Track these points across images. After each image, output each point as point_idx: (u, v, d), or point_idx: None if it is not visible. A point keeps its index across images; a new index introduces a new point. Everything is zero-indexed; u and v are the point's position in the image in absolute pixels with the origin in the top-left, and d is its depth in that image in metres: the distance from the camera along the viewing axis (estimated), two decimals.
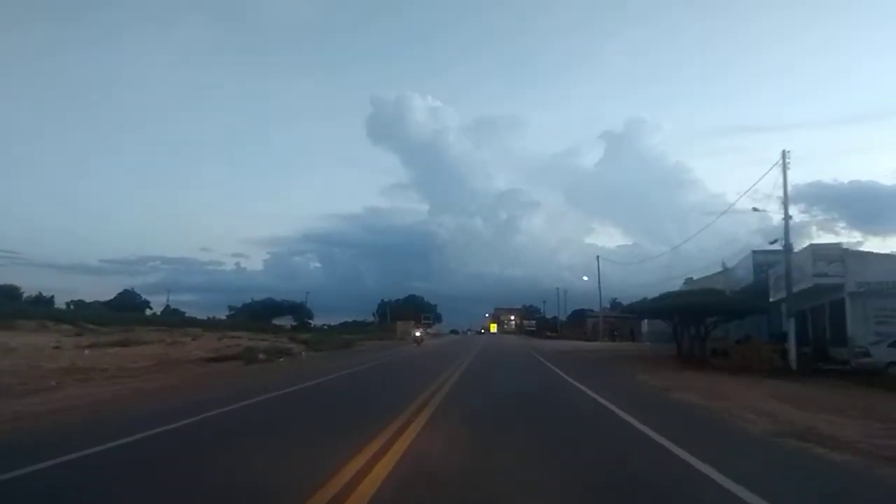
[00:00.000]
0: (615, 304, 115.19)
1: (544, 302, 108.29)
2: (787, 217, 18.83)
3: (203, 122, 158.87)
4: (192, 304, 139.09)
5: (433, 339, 64.91)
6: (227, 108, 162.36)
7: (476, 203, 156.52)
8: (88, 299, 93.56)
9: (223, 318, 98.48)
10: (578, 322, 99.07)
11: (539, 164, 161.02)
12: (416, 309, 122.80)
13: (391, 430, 6.65)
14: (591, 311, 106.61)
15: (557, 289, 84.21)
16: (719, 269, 32.95)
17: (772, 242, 19.78)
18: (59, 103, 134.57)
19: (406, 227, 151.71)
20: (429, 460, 5.27)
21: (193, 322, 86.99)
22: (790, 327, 18.93)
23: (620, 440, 6.68)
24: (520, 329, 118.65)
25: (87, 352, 22.81)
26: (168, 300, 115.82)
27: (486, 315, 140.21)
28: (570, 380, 14.73)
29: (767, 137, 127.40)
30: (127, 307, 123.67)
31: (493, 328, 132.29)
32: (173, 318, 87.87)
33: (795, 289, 19.12)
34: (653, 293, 31.00)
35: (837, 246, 19.69)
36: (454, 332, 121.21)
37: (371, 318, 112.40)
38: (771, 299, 22.27)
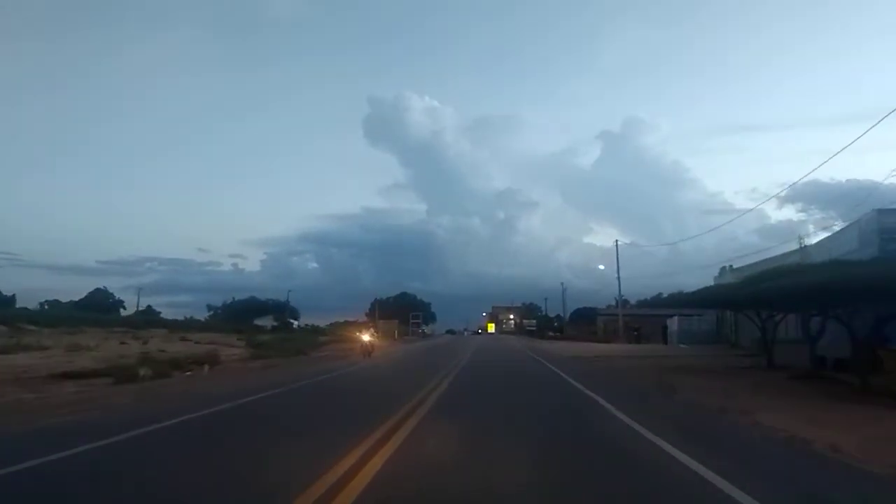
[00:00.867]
0: (622, 302, 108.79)
1: (546, 299, 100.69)
2: None
3: (201, 124, 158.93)
4: (189, 305, 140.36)
5: (422, 340, 57.17)
6: (225, 109, 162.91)
7: (474, 203, 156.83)
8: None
9: (202, 318, 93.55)
10: (583, 321, 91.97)
11: (537, 164, 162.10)
12: (408, 307, 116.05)
13: None
14: (596, 308, 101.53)
15: (562, 284, 76.63)
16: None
17: None
18: (57, 105, 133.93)
19: (404, 227, 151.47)
20: None
21: (163, 323, 79.91)
22: None
23: None
24: (519, 329, 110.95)
25: None
26: (138, 301, 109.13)
27: (484, 314, 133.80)
28: (639, 429, 6.65)
29: (764, 137, 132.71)
30: (98, 307, 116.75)
31: (492, 328, 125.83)
32: (141, 319, 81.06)
33: None
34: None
35: None
36: (450, 331, 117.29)
37: (363, 318, 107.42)
38: None
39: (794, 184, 47.23)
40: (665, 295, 68.09)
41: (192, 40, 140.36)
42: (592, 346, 38.61)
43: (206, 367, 17.71)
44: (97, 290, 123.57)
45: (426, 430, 6.78)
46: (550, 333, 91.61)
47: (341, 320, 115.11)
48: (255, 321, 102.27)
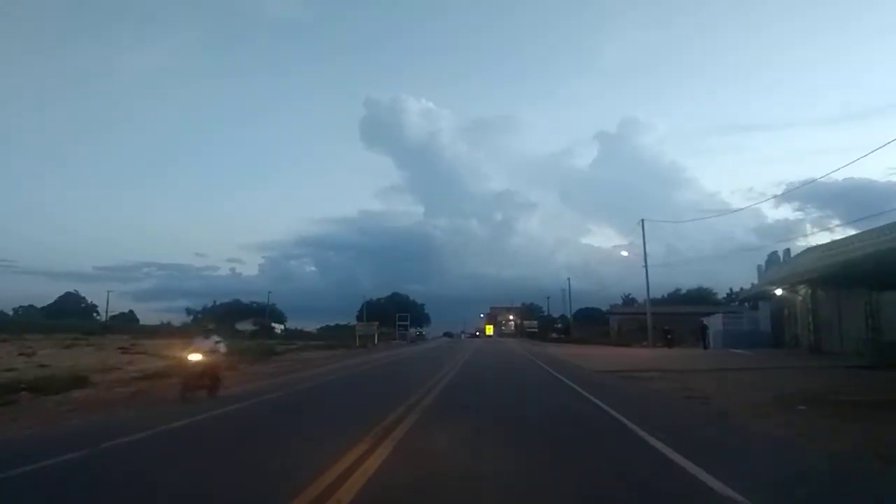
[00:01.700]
0: (628, 301, 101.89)
1: (548, 297, 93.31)
2: None
3: (198, 129, 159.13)
4: (183, 311, 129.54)
5: (407, 346, 49.59)
6: (222, 114, 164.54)
7: (471, 205, 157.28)
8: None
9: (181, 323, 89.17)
10: (589, 321, 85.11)
11: (534, 165, 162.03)
12: (400, 309, 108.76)
13: None
14: (599, 308, 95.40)
15: (568, 279, 69.01)
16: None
17: None
18: (56, 113, 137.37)
19: (401, 229, 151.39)
20: None
21: (132, 329, 72.85)
22: None
23: None
24: (519, 330, 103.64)
25: None
26: (107, 306, 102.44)
27: (482, 315, 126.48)
28: None
29: (762, 136, 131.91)
30: (69, 312, 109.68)
31: (490, 330, 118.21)
32: (99, 325, 74.48)
33: None
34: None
35: None
36: (448, 334, 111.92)
37: (353, 322, 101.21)
38: None
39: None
40: (663, 295, 68.17)
41: (188, 46, 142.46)
42: (614, 353, 31.18)
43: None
44: (68, 293, 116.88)
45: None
46: (554, 335, 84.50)
47: (332, 324, 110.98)
48: (237, 325, 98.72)
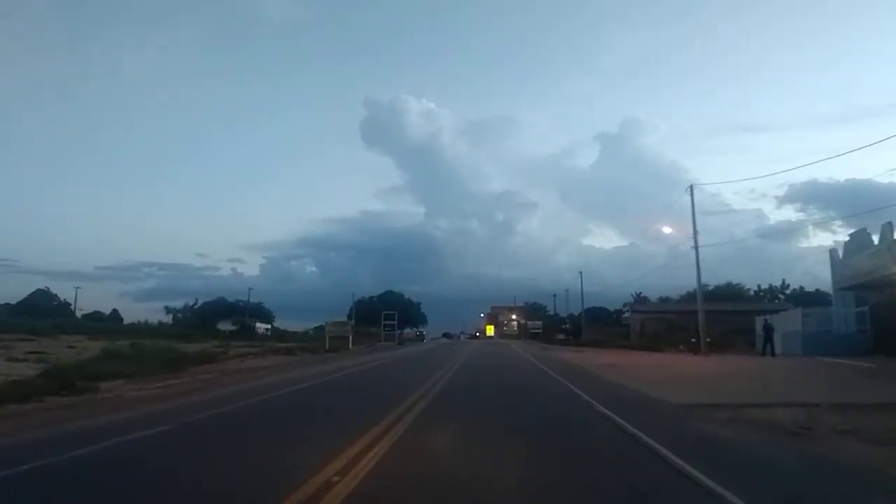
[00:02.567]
0: (640, 299, 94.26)
1: (555, 295, 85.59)
2: None
3: (198, 129, 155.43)
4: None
5: (394, 349, 42.06)
6: (223, 114, 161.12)
7: (472, 205, 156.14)
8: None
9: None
10: (599, 322, 77.90)
11: (534, 166, 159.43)
12: (393, 307, 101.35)
13: None
14: (605, 308, 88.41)
15: (580, 273, 61.27)
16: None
17: None
18: (56, 113, 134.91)
19: (402, 229, 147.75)
20: None
21: (101, 329, 66.43)
22: None
23: None
24: (523, 331, 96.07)
25: None
26: (75, 303, 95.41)
27: (482, 315, 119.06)
28: None
29: (763, 137, 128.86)
30: (40, 310, 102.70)
31: (491, 331, 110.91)
32: (50, 325, 67.38)
33: None
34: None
35: None
36: (447, 335, 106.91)
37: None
38: None
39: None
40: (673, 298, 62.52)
41: (189, 47, 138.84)
42: (652, 362, 23.58)
43: None
44: (38, 290, 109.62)
45: None
46: (561, 336, 76.97)
47: (323, 323, 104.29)
48: (220, 325, 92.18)
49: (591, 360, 23.63)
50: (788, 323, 24.32)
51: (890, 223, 20.95)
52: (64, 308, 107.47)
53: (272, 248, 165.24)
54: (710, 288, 59.76)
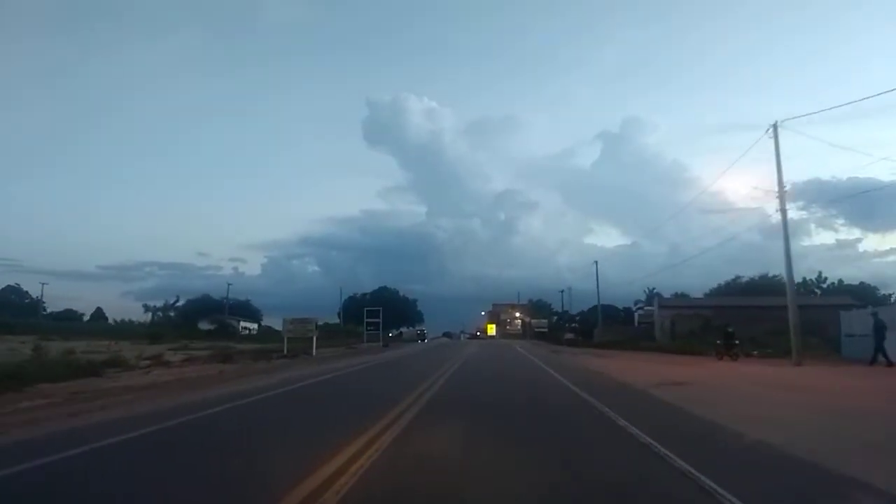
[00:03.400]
0: (653, 296, 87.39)
1: (562, 291, 78.47)
2: None
3: (200, 127, 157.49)
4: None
5: (372, 354, 34.94)
6: (224, 112, 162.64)
7: (474, 204, 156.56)
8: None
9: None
10: (610, 321, 71.19)
11: (536, 165, 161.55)
12: (387, 305, 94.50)
13: None
14: (613, 306, 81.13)
15: (595, 262, 53.98)
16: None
17: None
18: (57, 109, 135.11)
19: (404, 229, 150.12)
20: None
21: (65, 329, 60.75)
22: None
23: None
24: (527, 331, 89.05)
25: None
26: (42, 300, 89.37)
27: (482, 313, 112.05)
28: None
29: (765, 135, 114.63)
30: (11, 307, 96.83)
31: (492, 330, 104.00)
32: (31, 323, 61.55)
33: None
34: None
35: None
36: (447, 334, 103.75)
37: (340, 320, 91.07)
38: None
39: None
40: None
41: (190, 43, 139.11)
42: (728, 372, 16.68)
43: None
44: (8, 287, 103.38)
45: None
46: (570, 336, 70.01)
47: (320, 322, 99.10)
48: (200, 324, 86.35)
49: (631, 372, 16.65)
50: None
51: None
52: (36, 305, 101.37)
53: (274, 248, 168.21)
54: (744, 280, 52.90)
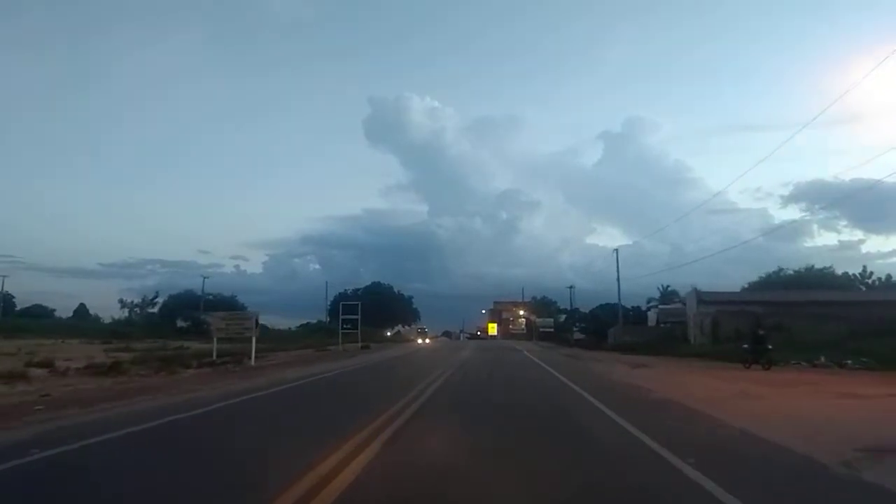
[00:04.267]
0: (668, 294, 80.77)
1: (570, 287, 71.53)
2: None
3: (202, 126, 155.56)
4: None
5: (333, 361, 28.19)
6: (226, 111, 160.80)
7: (476, 204, 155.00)
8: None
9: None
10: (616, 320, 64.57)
11: (538, 164, 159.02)
12: (381, 302, 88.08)
13: None
14: (617, 305, 74.23)
15: (615, 250, 46.98)
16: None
17: None
18: (59, 109, 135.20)
19: (405, 228, 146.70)
20: None
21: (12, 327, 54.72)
22: None
23: None
24: (532, 329, 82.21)
25: None
26: (11, 296, 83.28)
27: (483, 311, 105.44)
28: None
29: (768, 135, 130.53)
30: None
31: (493, 329, 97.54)
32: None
33: None
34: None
35: None
36: (447, 334, 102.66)
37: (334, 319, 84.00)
38: None
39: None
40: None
41: (192, 44, 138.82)
42: None
43: None
44: None
45: None
46: (579, 338, 63.57)
47: (312, 321, 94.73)
48: (179, 322, 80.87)
49: (751, 408, 9.85)
50: None
51: None
52: (7, 301, 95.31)
53: (275, 246, 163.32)
54: (789, 273, 45.91)
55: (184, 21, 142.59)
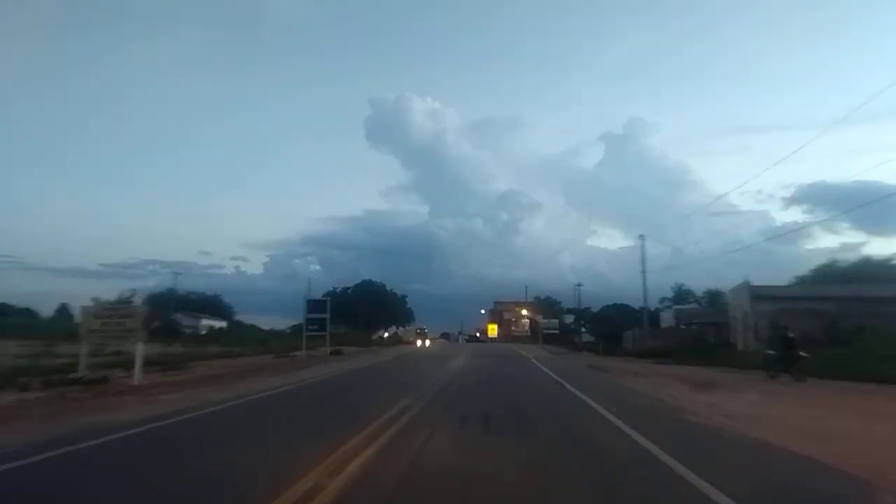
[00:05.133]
0: (682, 293, 74.72)
1: (578, 285, 65.04)
2: None
3: (202, 126, 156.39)
4: None
5: (270, 378, 21.83)
6: (226, 110, 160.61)
7: (476, 205, 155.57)
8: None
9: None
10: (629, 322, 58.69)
11: (539, 166, 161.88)
12: (372, 302, 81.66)
13: None
14: (627, 306, 67.87)
15: (642, 237, 40.48)
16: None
17: None
18: (59, 106, 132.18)
19: (406, 228, 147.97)
20: None
21: None
22: None
23: None
24: (536, 331, 75.82)
25: None
26: None
27: (482, 311, 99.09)
28: None
29: (769, 137, 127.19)
30: None
31: (493, 331, 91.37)
32: None
33: None
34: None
35: None
36: (445, 335, 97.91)
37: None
38: None
39: None
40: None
41: (192, 41, 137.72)
42: None
43: None
44: None
45: None
46: (587, 339, 57.49)
47: (298, 322, 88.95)
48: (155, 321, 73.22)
49: None
50: None
51: None
52: None
53: (276, 247, 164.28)
54: (844, 266, 39.55)
55: (184, 20, 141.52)
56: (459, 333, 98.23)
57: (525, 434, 7.37)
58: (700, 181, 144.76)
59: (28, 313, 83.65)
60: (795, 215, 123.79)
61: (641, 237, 39.19)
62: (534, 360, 26.65)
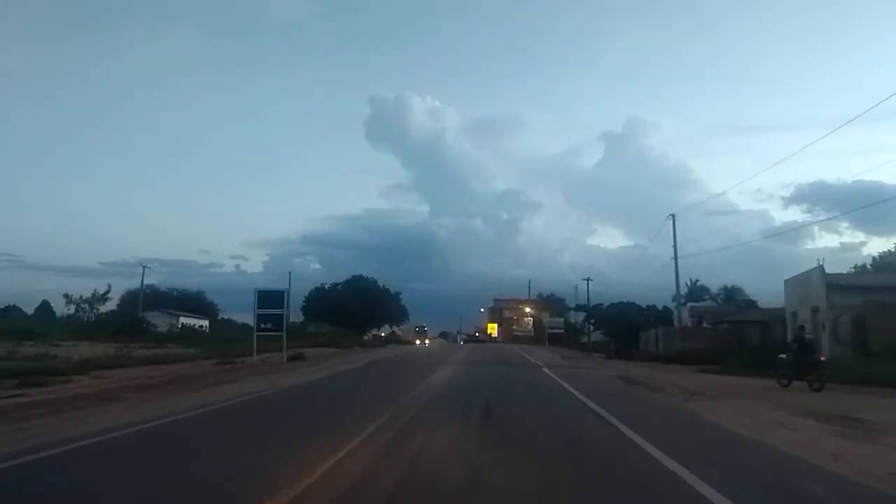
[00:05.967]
0: (697, 290, 69.55)
1: (587, 280, 59.43)
2: None
3: (202, 125, 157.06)
4: None
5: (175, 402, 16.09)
6: (226, 110, 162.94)
7: (476, 204, 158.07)
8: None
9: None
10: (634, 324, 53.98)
11: (539, 165, 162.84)
12: (364, 298, 75.72)
13: None
14: (635, 303, 61.95)
15: (671, 217, 34.76)
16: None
17: None
18: (59, 106, 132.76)
19: (406, 228, 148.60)
20: None
21: None
22: None
23: None
24: (540, 330, 70.12)
25: None
26: None
27: (482, 310, 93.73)
28: None
29: (769, 137, 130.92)
30: None
31: (494, 330, 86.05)
32: None
33: None
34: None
35: None
36: (444, 335, 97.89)
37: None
38: None
39: None
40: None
41: (192, 42, 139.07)
42: None
43: None
44: None
45: None
46: (596, 339, 52.01)
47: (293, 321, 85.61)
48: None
49: None
50: None
51: None
52: None
53: (276, 246, 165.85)
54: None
55: (184, 19, 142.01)
56: (458, 333, 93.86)
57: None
58: (700, 181, 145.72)
59: (15, 310, 79.42)
60: (795, 215, 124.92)
61: (672, 216, 33.41)
62: (546, 371, 20.74)
